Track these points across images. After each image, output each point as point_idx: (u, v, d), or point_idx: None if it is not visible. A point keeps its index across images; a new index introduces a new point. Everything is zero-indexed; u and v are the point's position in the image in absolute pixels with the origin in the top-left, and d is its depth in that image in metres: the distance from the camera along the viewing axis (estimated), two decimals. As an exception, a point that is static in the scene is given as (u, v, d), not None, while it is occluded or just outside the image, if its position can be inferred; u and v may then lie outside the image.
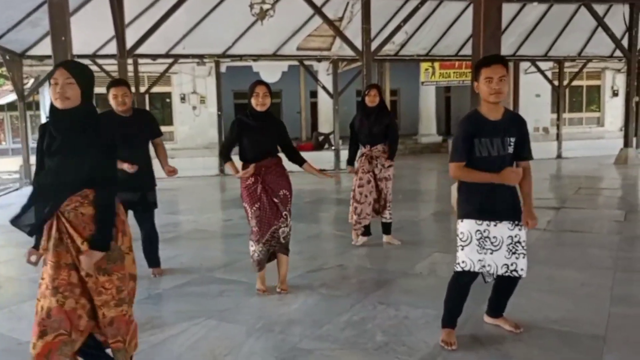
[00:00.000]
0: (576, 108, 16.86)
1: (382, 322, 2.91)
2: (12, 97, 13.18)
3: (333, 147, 12.10)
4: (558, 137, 13.01)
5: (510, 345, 2.58)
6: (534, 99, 15.07)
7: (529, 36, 12.44)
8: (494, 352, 2.52)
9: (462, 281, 2.55)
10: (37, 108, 14.60)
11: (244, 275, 3.77)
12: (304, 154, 3.55)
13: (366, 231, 4.63)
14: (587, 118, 17.01)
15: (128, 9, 8.16)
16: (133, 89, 4.36)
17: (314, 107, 16.41)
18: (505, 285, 2.67)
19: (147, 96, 12.36)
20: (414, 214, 6.32)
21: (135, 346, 2.22)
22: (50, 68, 4.27)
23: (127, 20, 8.34)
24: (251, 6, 8.66)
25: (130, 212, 3.81)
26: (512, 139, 2.49)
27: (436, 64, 12.46)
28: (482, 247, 2.48)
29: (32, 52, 9.77)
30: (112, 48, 8.89)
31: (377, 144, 4.45)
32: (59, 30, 4.99)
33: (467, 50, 10.23)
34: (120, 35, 8.04)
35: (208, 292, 3.50)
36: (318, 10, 9.29)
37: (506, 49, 11.38)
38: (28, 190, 2.11)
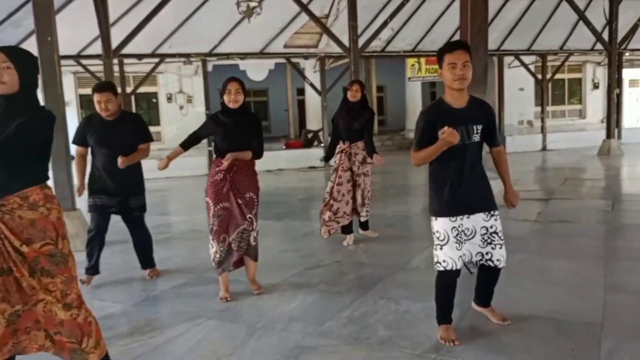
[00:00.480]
0: (558, 101, 17.12)
1: (384, 316, 2.93)
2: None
3: (322, 144, 12.10)
4: (542, 129, 13.21)
5: (509, 336, 2.62)
6: (518, 92, 15.26)
7: (512, 31, 12.58)
8: (494, 342, 2.56)
9: (447, 280, 2.53)
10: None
11: (241, 274, 3.74)
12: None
13: (348, 229, 4.58)
14: (570, 110, 17.28)
15: (113, 8, 8.01)
16: (119, 90, 4.15)
17: (301, 104, 16.38)
18: (485, 275, 2.65)
19: (133, 97, 12.20)
20: (405, 209, 6.38)
21: (102, 350, 2.11)
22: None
23: (112, 19, 8.19)
24: (238, 4, 8.59)
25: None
26: (479, 127, 2.45)
27: (422, 60, 12.52)
28: (460, 242, 2.46)
29: (13, 54, 9.53)
30: (97, 48, 8.74)
31: (357, 140, 4.43)
32: (45, 31, 4.87)
33: (453, 46, 10.26)
34: (105, 35, 7.91)
35: (206, 293, 3.48)
36: (304, 8, 9.26)
37: (490, 43, 11.36)
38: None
